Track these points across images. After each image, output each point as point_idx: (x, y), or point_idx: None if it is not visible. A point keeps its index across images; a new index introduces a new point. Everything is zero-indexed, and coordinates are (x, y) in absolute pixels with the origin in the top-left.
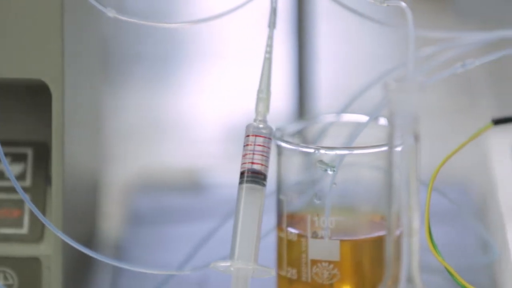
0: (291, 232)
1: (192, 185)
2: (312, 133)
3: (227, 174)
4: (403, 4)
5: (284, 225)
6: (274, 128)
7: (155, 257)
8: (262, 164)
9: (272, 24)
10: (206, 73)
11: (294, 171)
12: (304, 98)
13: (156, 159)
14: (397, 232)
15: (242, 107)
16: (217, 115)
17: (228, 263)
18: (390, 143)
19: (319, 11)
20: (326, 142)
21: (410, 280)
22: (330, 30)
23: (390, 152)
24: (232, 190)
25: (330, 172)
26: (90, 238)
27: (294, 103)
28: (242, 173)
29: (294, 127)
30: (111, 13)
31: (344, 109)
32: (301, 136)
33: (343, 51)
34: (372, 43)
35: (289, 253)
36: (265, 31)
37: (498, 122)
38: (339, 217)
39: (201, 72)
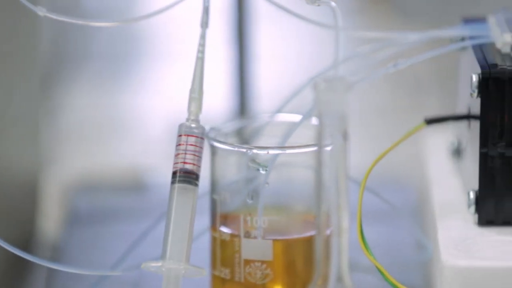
0: (224, 232)
1: (134, 185)
2: (249, 132)
3: (170, 173)
4: (333, 4)
5: (217, 225)
6: (208, 127)
7: (93, 257)
8: (194, 164)
9: (204, 24)
10: (152, 73)
11: (227, 170)
12: (245, 97)
13: (100, 158)
14: (328, 232)
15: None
16: (162, 115)
17: (159, 263)
18: (319, 143)
19: (260, 12)
20: (263, 141)
21: (339, 279)
22: (271, 31)
23: (319, 152)
24: None
25: (262, 172)
26: (28, 239)
27: (235, 103)
28: (174, 173)
29: (229, 126)
30: (41, 12)
31: (279, 109)
32: (239, 135)
33: (283, 51)
34: (312, 43)
35: (223, 253)
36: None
37: (430, 122)
38: (273, 216)
39: (148, 72)
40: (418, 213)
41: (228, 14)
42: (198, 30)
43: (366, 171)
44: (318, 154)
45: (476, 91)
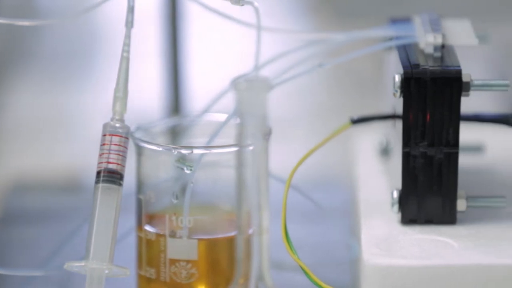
0: (149, 232)
1: (71, 185)
2: (178, 132)
3: None
4: (256, 4)
5: (143, 224)
6: (134, 127)
7: (23, 257)
8: (118, 164)
9: (129, 23)
10: (94, 72)
11: (153, 170)
12: (178, 96)
13: (36, 158)
14: (250, 231)
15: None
16: (103, 114)
17: (82, 263)
18: (240, 143)
19: (193, 11)
20: (195, 141)
21: (260, 278)
22: (204, 30)
23: (240, 152)
24: None
25: (187, 172)
26: None
27: (168, 102)
28: (98, 173)
29: (156, 126)
30: None
31: (206, 109)
32: (167, 134)
33: (218, 50)
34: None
35: (148, 252)
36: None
37: (355, 121)
38: (198, 216)
39: (89, 71)
40: (348, 213)
41: (161, 13)
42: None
43: (291, 170)
44: (239, 154)
45: (399, 91)
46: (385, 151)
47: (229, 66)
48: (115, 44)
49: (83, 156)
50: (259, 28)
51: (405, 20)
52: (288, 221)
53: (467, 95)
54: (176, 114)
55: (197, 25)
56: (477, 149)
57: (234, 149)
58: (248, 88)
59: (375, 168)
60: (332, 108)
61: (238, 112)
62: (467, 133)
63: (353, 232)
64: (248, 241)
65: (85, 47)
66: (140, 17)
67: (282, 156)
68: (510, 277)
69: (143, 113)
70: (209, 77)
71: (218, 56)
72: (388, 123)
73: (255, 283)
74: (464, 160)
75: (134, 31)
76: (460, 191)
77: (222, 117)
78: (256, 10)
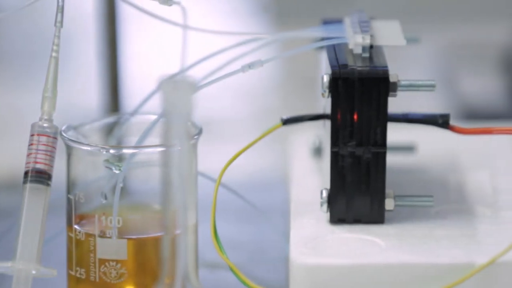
0: (79, 231)
1: (10, 184)
2: (112, 131)
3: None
4: (182, 4)
5: (73, 224)
6: (65, 126)
7: None
8: (46, 164)
9: (59, 23)
10: (37, 72)
11: (83, 170)
12: (115, 97)
13: None
14: (177, 231)
15: (77, 106)
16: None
17: (9, 264)
18: (165, 142)
19: (130, 11)
20: (127, 140)
21: (186, 277)
22: (140, 30)
23: (166, 151)
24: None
25: (116, 172)
26: None
27: (105, 102)
28: (26, 173)
29: (88, 125)
30: None
31: (137, 109)
32: (102, 134)
33: (153, 51)
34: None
35: (78, 252)
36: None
37: (286, 121)
38: (128, 216)
39: (34, 71)
40: (285, 213)
41: (100, 13)
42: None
43: (221, 169)
44: (165, 154)
45: (327, 91)
46: (317, 151)
47: (170, 66)
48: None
49: (22, 155)
50: (185, 28)
51: (337, 21)
52: (225, 221)
53: (395, 95)
54: (114, 113)
55: (137, 24)
56: (408, 149)
57: (162, 148)
58: (173, 88)
59: (307, 168)
60: (278, 109)
61: (163, 112)
62: (400, 133)
63: (287, 231)
64: (175, 241)
65: (28, 46)
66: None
67: (225, 156)
68: (436, 276)
69: (81, 112)
70: (149, 76)
71: (159, 55)
72: (320, 123)
73: (181, 283)
74: (395, 160)
75: (74, 31)
76: (388, 191)
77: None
78: (183, 10)
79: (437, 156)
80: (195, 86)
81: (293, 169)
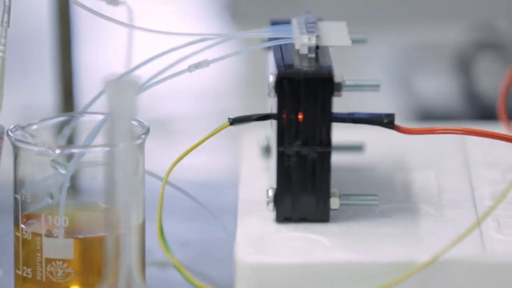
0: (26, 231)
1: None
2: (64, 131)
3: None
4: (128, 4)
5: (20, 224)
6: (12, 126)
7: None
8: None
9: (6, 23)
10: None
11: (29, 170)
12: (69, 97)
13: None
14: (121, 230)
15: (31, 107)
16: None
17: None
18: (110, 142)
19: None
20: (78, 140)
21: (130, 276)
22: (93, 30)
23: (110, 151)
24: None
25: (62, 171)
26: None
27: (59, 102)
28: None
29: (36, 125)
30: None
31: (84, 109)
32: (52, 133)
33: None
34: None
35: (25, 252)
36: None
37: (234, 121)
38: (75, 215)
39: None
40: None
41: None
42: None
43: (168, 168)
44: (109, 153)
45: (273, 91)
46: (267, 150)
47: (125, 66)
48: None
49: None
50: (131, 28)
51: (285, 22)
52: (175, 221)
53: (340, 95)
54: (63, 113)
55: (91, 23)
56: (357, 148)
57: (107, 148)
58: (117, 89)
59: (256, 167)
60: (240, 108)
61: (108, 111)
62: (351, 132)
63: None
64: (119, 240)
65: None
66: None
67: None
68: (378, 274)
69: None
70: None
71: (115, 55)
72: (268, 123)
73: (125, 282)
74: (343, 159)
75: (26, 31)
76: (334, 190)
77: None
78: (129, 10)
79: (385, 156)
80: (138, 86)
81: (242, 169)
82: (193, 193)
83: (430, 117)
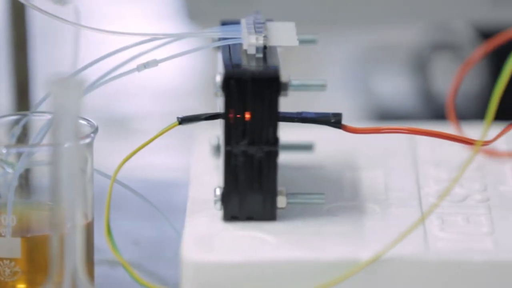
0: None
1: None
2: (13, 130)
3: None
4: (75, 5)
5: None
6: None
7: None
8: None
9: None
10: None
11: None
12: (23, 96)
13: None
14: (66, 229)
15: None
16: None
17: None
18: (54, 141)
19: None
20: (28, 139)
21: (75, 275)
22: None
23: (55, 150)
24: None
25: (10, 171)
26: None
27: (13, 102)
28: None
29: None
30: None
31: (36, 107)
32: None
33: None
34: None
35: None
36: None
37: (182, 121)
38: (23, 214)
39: None
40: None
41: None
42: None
43: (117, 167)
44: (54, 152)
45: (220, 90)
46: (217, 150)
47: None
48: None
49: None
50: (77, 27)
51: (235, 22)
52: (126, 220)
53: (286, 95)
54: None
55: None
56: (307, 147)
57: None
58: (62, 88)
59: (207, 166)
60: (198, 108)
61: (52, 110)
62: (301, 132)
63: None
64: (64, 239)
65: None
66: None
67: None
68: (323, 272)
69: None
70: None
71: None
72: (219, 122)
73: (70, 281)
74: (293, 158)
75: None
76: (281, 188)
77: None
78: (76, 10)
79: (336, 155)
80: (84, 86)
81: (193, 168)
82: (148, 192)
83: (388, 117)
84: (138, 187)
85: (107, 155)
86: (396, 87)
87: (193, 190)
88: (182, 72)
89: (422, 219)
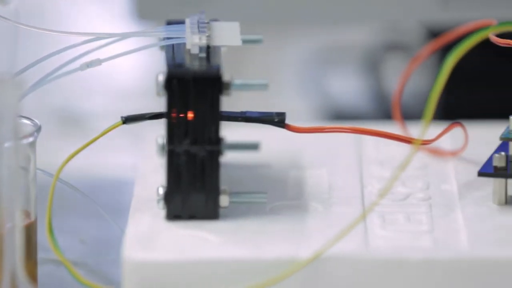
0: None
1: None
2: None
3: None
4: (15, 3)
5: None
6: None
7: None
8: None
9: None
10: None
11: None
12: None
13: None
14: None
15: None
16: None
17: None
18: None
19: None
20: None
21: (14, 274)
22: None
23: None
24: None
25: None
26: None
27: None
28: None
29: None
30: None
31: None
32: None
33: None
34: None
35: None
36: None
37: (127, 120)
38: None
39: None
40: None
41: None
42: None
43: (59, 166)
44: None
45: (163, 90)
46: (163, 149)
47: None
48: None
49: None
50: (15, 27)
51: (180, 22)
52: (75, 218)
53: (228, 94)
54: None
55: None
56: (253, 147)
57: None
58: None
59: (153, 166)
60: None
61: None
62: (249, 131)
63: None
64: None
65: None
66: None
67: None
68: (263, 271)
69: None
70: None
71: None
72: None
73: (9, 280)
74: (239, 158)
75: None
76: (224, 188)
77: None
78: (16, 10)
79: (282, 155)
80: (23, 85)
81: (140, 167)
82: (97, 191)
83: (342, 117)
84: (87, 186)
85: (63, 154)
86: (349, 87)
87: (138, 189)
88: (146, 71)
89: (362, 218)
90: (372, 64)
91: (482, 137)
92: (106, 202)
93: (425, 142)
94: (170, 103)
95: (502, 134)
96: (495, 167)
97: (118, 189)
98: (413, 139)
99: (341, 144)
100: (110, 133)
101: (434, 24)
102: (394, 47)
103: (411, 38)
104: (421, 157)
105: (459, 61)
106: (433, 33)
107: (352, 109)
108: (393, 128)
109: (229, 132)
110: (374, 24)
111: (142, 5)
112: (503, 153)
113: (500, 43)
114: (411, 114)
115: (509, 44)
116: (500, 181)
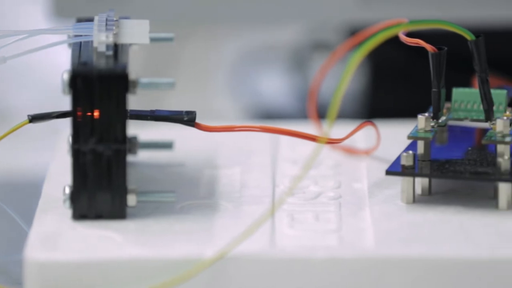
0: None
1: None
2: None
3: None
4: None
5: None
6: None
7: None
8: None
9: None
10: None
11: None
12: None
13: None
14: None
15: None
16: None
17: None
18: None
19: None
20: None
21: None
22: None
23: None
24: None
25: None
26: None
27: None
28: None
29: None
30: None
31: None
32: None
33: None
34: None
35: None
36: None
37: (33, 119)
38: None
39: None
40: None
41: None
42: None
43: None
44: None
45: (67, 88)
46: None
47: None
48: None
49: None
50: None
51: (89, 20)
52: None
53: (135, 93)
54: None
55: None
56: (166, 146)
57: None
58: None
59: (66, 165)
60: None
61: None
62: (163, 130)
63: None
64: None
65: None
66: None
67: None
68: (168, 271)
69: None
70: None
71: None
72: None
73: None
74: (152, 156)
75: None
76: (132, 187)
77: None
78: None
79: (196, 154)
80: None
81: (51, 166)
82: (11, 191)
83: (271, 116)
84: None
85: None
86: (278, 86)
87: (47, 188)
88: None
89: (268, 216)
90: (299, 63)
91: (395, 136)
92: (21, 203)
93: (332, 141)
94: (75, 102)
95: (410, 133)
96: (403, 166)
97: (36, 189)
98: (319, 137)
99: (257, 143)
100: (33, 132)
101: (357, 23)
102: (319, 46)
103: (336, 38)
104: (334, 156)
105: (385, 59)
106: (356, 31)
107: (279, 109)
108: (311, 126)
109: (144, 131)
110: (301, 24)
111: (60, 2)
112: (410, 152)
113: (408, 42)
114: (344, 114)
115: (417, 43)
116: (408, 180)
